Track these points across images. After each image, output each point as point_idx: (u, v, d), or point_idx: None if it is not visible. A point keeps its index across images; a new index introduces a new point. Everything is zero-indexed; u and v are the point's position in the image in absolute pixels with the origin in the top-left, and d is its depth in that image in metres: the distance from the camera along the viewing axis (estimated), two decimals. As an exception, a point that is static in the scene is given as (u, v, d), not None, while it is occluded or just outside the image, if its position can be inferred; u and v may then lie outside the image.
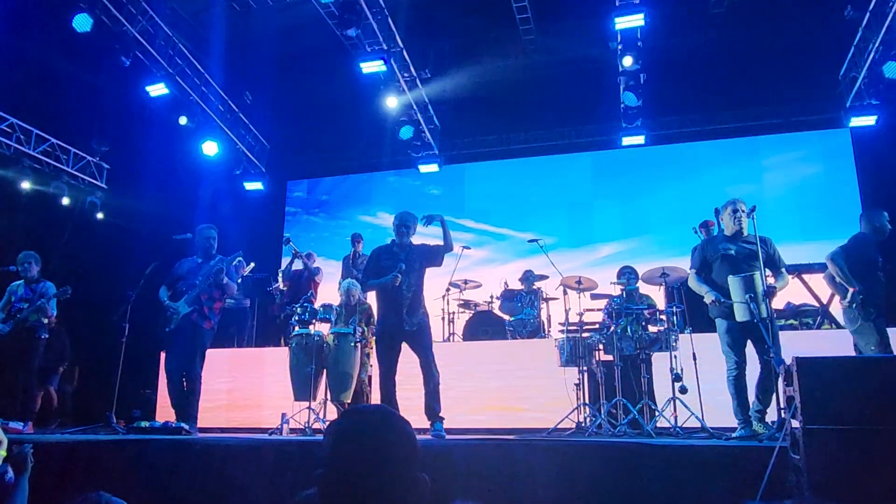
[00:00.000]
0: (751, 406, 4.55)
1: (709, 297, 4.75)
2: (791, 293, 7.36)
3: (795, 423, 2.85)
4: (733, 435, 4.32)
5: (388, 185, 11.67)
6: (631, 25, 8.13)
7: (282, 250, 9.99)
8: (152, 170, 9.85)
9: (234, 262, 5.77)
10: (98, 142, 10.19)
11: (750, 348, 4.66)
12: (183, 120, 9.40)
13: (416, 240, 5.27)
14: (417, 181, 11.30)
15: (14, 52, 8.50)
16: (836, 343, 6.02)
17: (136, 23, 8.53)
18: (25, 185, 9.16)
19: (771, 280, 4.53)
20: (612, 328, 5.76)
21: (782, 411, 3.38)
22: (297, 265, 8.26)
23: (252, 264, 8.25)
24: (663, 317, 5.74)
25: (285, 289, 8.50)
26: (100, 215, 10.20)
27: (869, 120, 8.91)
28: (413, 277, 5.08)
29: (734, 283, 4.46)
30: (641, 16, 7.97)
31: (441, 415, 4.95)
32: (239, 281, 5.96)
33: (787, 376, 2.88)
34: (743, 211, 4.64)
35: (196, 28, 10.05)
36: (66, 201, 9.74)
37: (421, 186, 11.42)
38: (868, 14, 8.14)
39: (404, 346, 5.11)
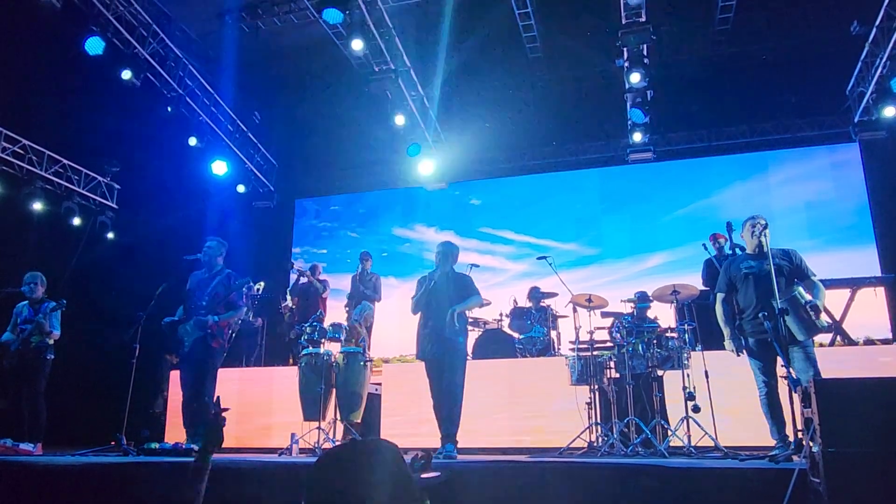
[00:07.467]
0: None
1: (728, 345, 4.62)
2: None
3: (812, 445, 2.79)
4: (771, 454, 4.12)
5: (426, 197, 11.41)
6: (637, 42, 8.15)
7: (291, 269, 10.08)
8: (162, 190, 9.94)
9: (244, 288, 5.75)
10: (108, 162, 10.29)
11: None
12: (192, 141, 9.49)
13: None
14: (457, 191, 11.27)
15: (26, 75, 8.62)
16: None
17: (146, 45, 8.66)
18: (37, 205, 9.24)
19: (808, 296, 4.27)
20: (624, 346, 5.72)
21: (799, 433, 3.31)
22: (305, 279, 8.64)
23: (262, 283, 8.33)
24: (674, 335, 5.69)
25: (294, 306, 8.59)
26: (110, 235, 10.27)
27: (878, 134, 8.90)
28: (445, 305, 5.18)
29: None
30: (647, 33, 7.99)
31: (456, 438, 4.94)
32: (243, 301, 5.93)
33: (805, 397, 2.84)
34: (762, 226, 4.55)
35: (206, 49, 10.17)
36: (76, 221, 9.82)
37: (461, 196, 11.39)
38: (875, 29, 8.15)
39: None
